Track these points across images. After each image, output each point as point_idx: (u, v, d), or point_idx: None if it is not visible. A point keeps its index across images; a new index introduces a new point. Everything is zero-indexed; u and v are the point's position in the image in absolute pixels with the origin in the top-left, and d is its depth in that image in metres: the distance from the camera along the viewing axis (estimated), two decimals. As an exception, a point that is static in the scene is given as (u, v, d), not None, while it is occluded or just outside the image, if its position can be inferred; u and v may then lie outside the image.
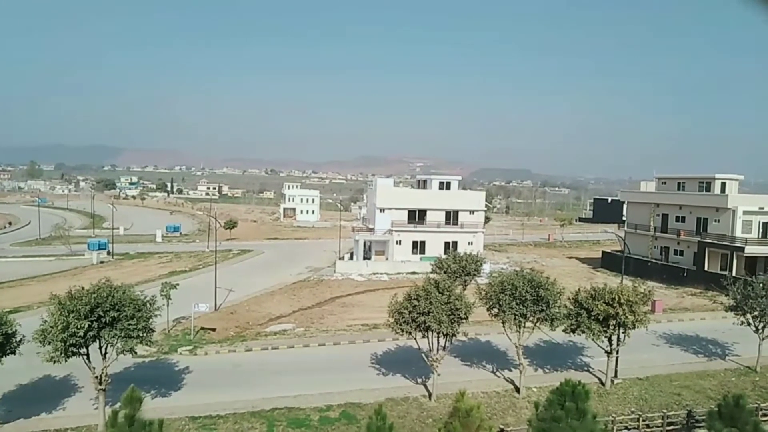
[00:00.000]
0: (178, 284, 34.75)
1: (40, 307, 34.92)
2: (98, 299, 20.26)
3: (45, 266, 57.82)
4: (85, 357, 20.62)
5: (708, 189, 54.45)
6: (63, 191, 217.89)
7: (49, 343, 19.68)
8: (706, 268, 50.92)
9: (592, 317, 24.89)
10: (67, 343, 19.68)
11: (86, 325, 19.72)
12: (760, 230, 50.53)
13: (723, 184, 53.83)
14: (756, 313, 28.07)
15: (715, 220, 51.88)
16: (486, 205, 65.57)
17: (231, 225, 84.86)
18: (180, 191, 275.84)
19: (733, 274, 43.71)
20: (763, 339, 28.44)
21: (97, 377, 21.08)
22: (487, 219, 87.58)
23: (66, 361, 20.15)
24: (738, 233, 49.82)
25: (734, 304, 29.08)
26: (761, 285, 28.43)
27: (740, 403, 11.02)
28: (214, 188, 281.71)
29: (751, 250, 47.81)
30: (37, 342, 19.89)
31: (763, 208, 50.45)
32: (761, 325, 28.19)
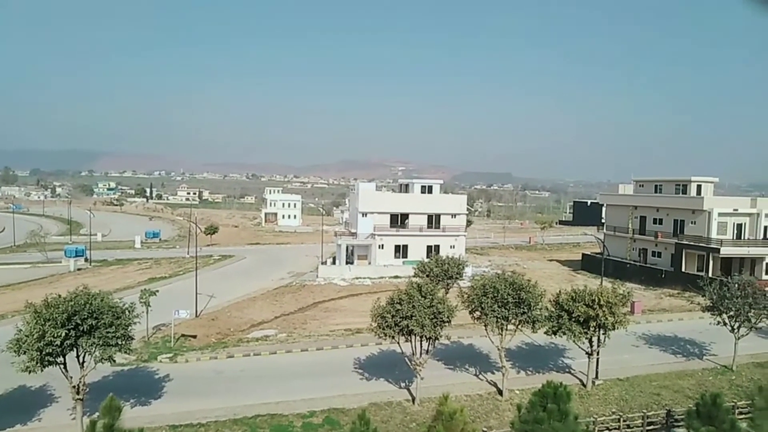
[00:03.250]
0: (157, 291, 34.28)
1: (14, 316, 34.16)
2: (76, 307, 19.90)
3: (20, 274, 56.57)
4: (61, 366, 20.21)
5: (684, 191, 55.52)
6: (39, 197, 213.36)
7: (24, 353, 19.26)
8: (683, 270, 51.85)
9: (573, 319, 25.14)
10: (44, 353, 19.28)
11: (63, 334, 19.33)
12: (735, 232, 51.69)
13: (699, 187, 54.94)
14: (731, 313, 28.67)
15: (692, 222, 52.91)
16: (467, 209, 65.97)
17: (211, 230, 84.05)
18: (159, 196, 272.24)
19: (710, 275, 44.59)
20: (739, 338, 29.06)
21: (74, 387, 20.66)
22: (469, 222, 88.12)
23: (42, 370, 19.73)
24: (714, 235, 50.87)
25: (710, 304, 29.64)
26: (736, 285, 29.06)
27: (717, 401, 11.24)
28: (194, 193, 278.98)
29: (726, 251, 48.84)
30: (11, 352, 19.43)
31: (737, 210, 51.62)
32: (736, 324, 28.79)
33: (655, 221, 57.33)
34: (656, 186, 59.05)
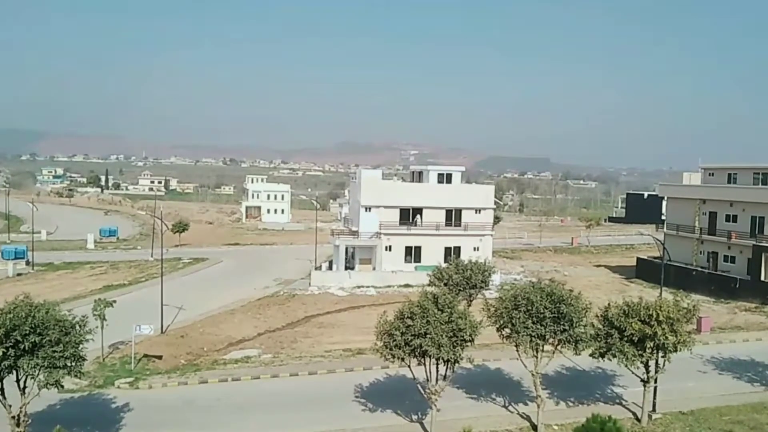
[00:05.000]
0: (115, 301, 34.46)
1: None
2: (15, 321, 20.02)
3: (-53, 280, 57.03)
4: (-2, 392, 20.38)
5: (765, 182, 55.13)
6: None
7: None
8: (762, 278, 51.55)
9: (625, 338, 25.08)
10: (-25, 376, 19.43)
11: (0, 353, 19.50)
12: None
13: (783, 176, 54.55)
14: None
15: (774, 220, 52.55)
16: (495, 202, 65.84)
17: (181, 228, 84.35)
18: (117, 186, 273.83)
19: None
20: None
21: (14, 417, 20.84)
22: (497, 219, 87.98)
23: (-26, 397, 19.88)
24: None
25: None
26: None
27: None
28: (160, 182, 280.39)
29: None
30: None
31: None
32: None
33: (728, 218, 57.01)
34: (730, 175, 58.65)
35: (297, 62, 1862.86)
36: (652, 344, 25.05)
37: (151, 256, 70.06)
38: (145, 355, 34.02)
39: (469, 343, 23.67)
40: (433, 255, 57.49)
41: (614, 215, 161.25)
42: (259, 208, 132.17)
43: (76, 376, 22.18)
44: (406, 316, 23.57)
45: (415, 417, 26.45)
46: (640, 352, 25.27)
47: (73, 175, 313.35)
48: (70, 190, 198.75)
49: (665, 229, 62.85)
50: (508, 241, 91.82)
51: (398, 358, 23.80)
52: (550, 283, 26.33)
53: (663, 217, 71.86)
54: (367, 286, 55.75)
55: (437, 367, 24.06)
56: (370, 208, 59.18)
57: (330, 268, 60.97)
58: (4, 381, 20.56)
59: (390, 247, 58.79)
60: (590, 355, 26.08)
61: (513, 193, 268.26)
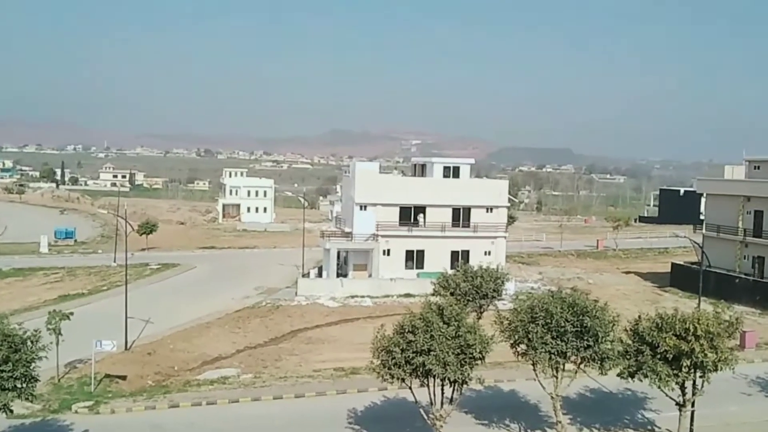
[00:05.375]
0: (72, 313, 34.37)
1: None
2: (-43, 335, 19.96)
3: None
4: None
5: (818, 176, 55.17)
6: None
7: None
8: (815, 287, 51.57)
9: (658, 356, 25.08)
10: None
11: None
12: None
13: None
14: None
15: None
16: (510, 199, 65.91)
17: (148, 229, 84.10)
18: (75, 180, 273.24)
19: None
20: None
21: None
22: (512, 219, 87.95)
23: None
24: None
25: None
26: None
27: None
28: (124, 176, 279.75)
29: None
30: None
31: None
32: None
33: (776, 218, 57.04)
34: (778, 168, 58.66)
35: (281, 38, 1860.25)
36: (688, 362, 25.02)
37: (114, 261, 69.85)
38: (107, 375, 33.90)
39: (479, 362, 23.70)
40: (437, 260, 57.46)
41: (646, 214, 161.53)
42: (238, 206, 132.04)
43: (27, 399, 22.12)
44: (407, 330, 23.57)
45: (417, 446, 26.45)
46: (675, 371, 25.25)
47: (24, 168, 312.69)
48: (21, 185, 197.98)
49: (704, 231, 62.86)
50: (524, 244, 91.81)
51: (398, 378, 23.80)
52: (572, 292, 26.40)
53: (702, 217, 71.90)
54: (362, 296, 55.68)
55: (442, 389, 24.06)
56: (365, 207, 59.12)
57: (319, 275, 60.88)
58: (-56, 405, 20.49)
59: (388, 251, 58.76)
60: (618, 375, 26.09)
61: (530, 188, 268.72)
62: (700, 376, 25.82)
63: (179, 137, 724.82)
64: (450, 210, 60.01)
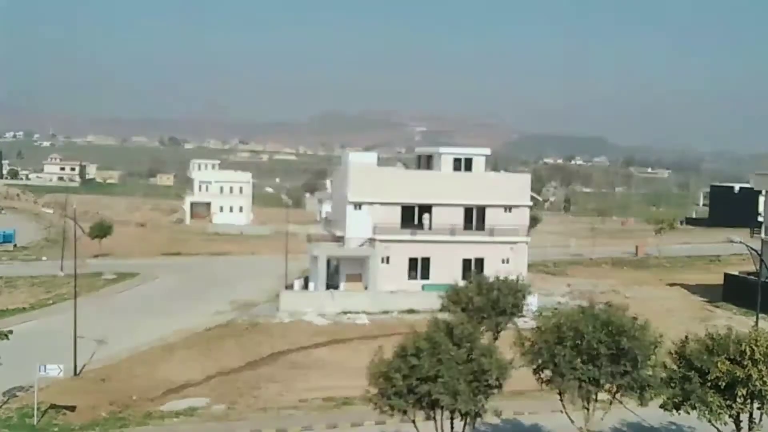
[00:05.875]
0: (11, 331, 34.50)
1: None
2: None
3: None
4: None
5: None
6: None
7: None
8: None
9: (709, 383, 25.19)
10: None
11: None
12: None
13: None
14: None
15: None
16: (532, 197, 66.07)
17: (102, 231, 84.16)
18: (15, 174, 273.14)
19: None
20: None
21: None
22: (535, 220, 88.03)
23: None
24: None
25: None
26: None
27: None
28: (74, 169, 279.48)
29: None
30: None
31: None
32: None
33: None
34: None
35: (257, 2, 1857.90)
36: (744, 391, 25.12)
37: (61, 270, 69.81)
38: (53, 406, 33.96)
39: (495, 390, 23.81)
40: (446, 269, 57.48)
41: (694, 215, 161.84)
42: (208, 204, 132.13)
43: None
44: (409, 352, 23.62)
45: (421, 490, 26.59)
46: (728, 401, 25.36)
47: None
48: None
49: (763, 235, 62.99)
50: (550, 251, 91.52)
51: (399, 410, 23.83)
52: (607, 308, 26.44)
53: (760, 219, 72.00)
54: (357, 312, 55.65)
55: (452, 423, 24.18)
56: (360, 206, 59.22)
57: (306, 287, 60.87)
58: None
59: (388, 258, 58.84)
60: (661, 406, 26.12)
61: (556, 185, 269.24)
62: (758, 407, 25.89)
63: (139, 123, 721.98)
64: (461, 210, 60.14)
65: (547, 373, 25.76)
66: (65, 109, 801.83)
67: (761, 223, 68.27)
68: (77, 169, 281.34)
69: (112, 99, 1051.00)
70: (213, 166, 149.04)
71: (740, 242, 54.02)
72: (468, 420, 23.99)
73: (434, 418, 24.13)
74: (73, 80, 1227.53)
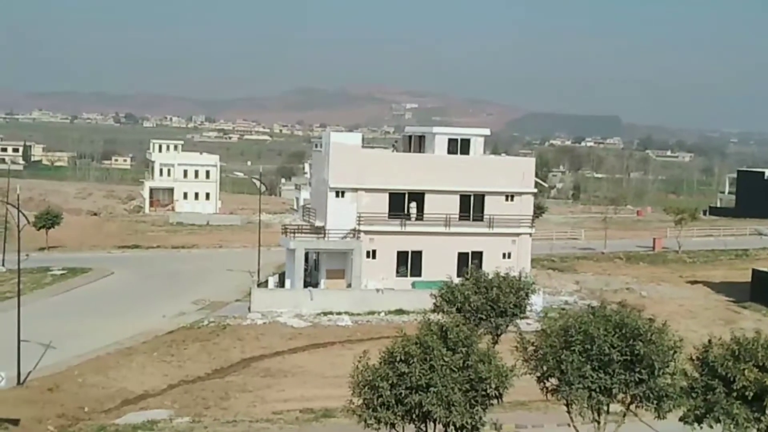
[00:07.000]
0: (-55, 335, 34.31)
1: None
2: None
3: None
4: None
5: None
6: None
7: None
8: None
9: (735, 393, 25.20)
10: None
11: None
12: None
13: None
14: None
15: None
16: (537, 184, 66.01)
17: (49, 221, 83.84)
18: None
19: None
20: None
21: None
22: (540, 210, 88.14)
23: None
24: None
25: None
26: None
27: None
28: (16, 150, 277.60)
29: None
30: None
31: None
32: None
33: None
34: None
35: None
36: (774, 402, 25.23)
37: (2, 265, 69.67)
38: (-6, 419, 33.88)
39: (494, 401, 23.76)
40: (439, 265, 57.42)
41: (719, 204, 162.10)
42: (170, 190, 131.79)
43: None
44: (398, 359, 23.53)
45: None
46: (756, 413, 25.41)
47: None
48: None
49: (795, 227, 63.23)
50: (556, 244, 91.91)
51: (386, 423, 23.71)
52: (620, 308, 26.41)
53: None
54: (339, 313, 55.74)
55: (445, 437, 24.09)
56: (343, 193, 59.15)
57: (281, 284, 60.86)
58: None
59: (374, 252, 58.86)
60: (681, 419, 26.12)
61: (564, 169, 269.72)
62: (789, 421, 26.00)
63: (91, 97, 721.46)
64: (457, 197, 60.24)
65: (552, 382, 25.69)
66: (5, 83, 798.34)
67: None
68: (20, 150, 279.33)
69: (61, 70, 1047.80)
70: (175, 147, 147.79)
71: (769, 235, 54.18)
72: (464, 433, 23.93)
73: (426, 432, 24.07)
74: (14, 48, 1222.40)
